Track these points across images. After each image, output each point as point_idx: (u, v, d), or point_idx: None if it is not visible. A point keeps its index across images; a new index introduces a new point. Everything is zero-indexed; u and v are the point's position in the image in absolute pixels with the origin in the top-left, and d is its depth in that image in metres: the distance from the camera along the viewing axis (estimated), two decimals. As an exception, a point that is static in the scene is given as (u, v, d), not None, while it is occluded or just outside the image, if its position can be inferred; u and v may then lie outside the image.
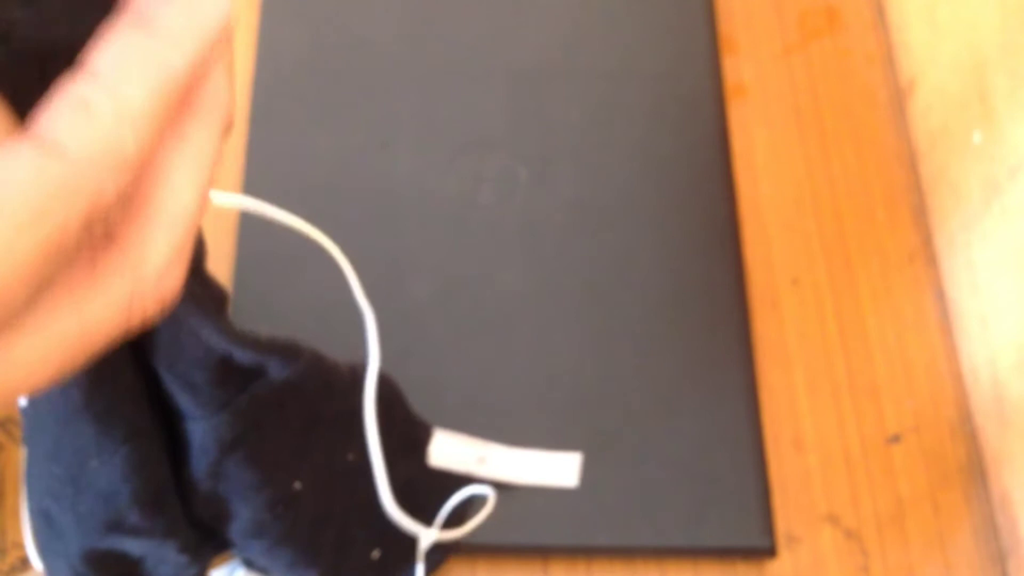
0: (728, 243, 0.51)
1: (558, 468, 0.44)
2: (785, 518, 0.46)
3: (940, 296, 0.52)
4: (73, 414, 0.29)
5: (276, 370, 0.33)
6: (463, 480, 0.43)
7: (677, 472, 0.45)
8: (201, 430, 0.32)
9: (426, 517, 0.41)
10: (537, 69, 0.55)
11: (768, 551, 0.44)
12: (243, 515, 0.35)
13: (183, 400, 0.32)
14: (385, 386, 0.41)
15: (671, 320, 0.49)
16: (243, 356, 0.32)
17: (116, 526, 0.32)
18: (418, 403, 0.45)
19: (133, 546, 0.33)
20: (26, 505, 0.34)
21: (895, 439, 0.48)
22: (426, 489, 0.42)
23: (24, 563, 0.42)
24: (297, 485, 0.36)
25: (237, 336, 0.31)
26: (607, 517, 0.44)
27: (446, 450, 0.43)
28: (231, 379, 0.32)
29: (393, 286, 0.49)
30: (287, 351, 0.33)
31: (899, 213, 0.53)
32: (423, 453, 0.43)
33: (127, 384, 0.30)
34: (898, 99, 0.57)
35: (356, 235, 0.43)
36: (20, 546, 0.41)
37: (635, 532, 0.44)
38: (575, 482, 0.44)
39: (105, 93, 0.19)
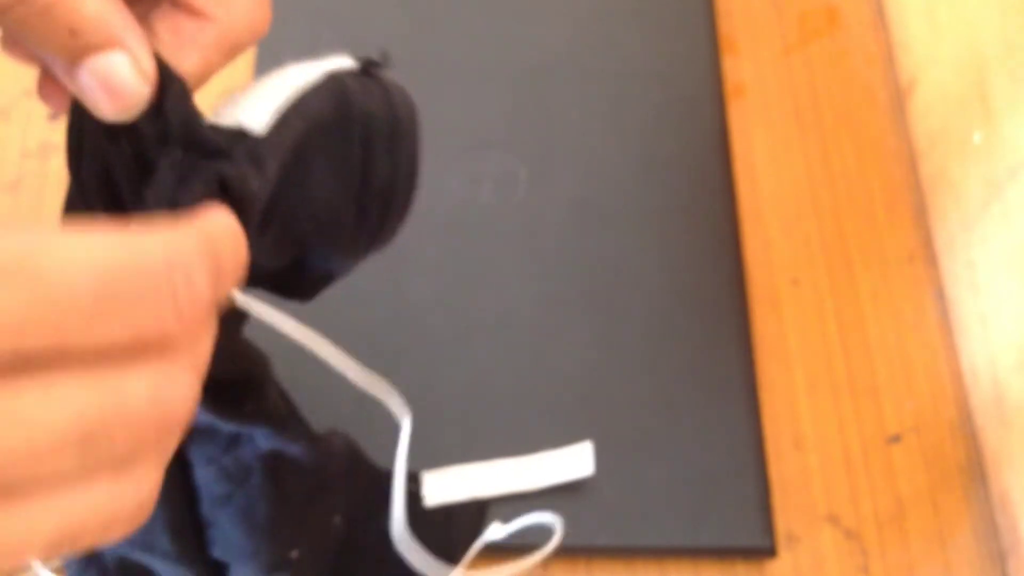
0: (728, 243, 0.51)
1: (572, 462, 0.44)
2: (785, 518, 0.46)
3: (940, 296, 0.52)
4: None
5: (262, 440, 0.34)
6: (470, 507, 0.43)
7: (677, 472, 0.45)
8: (198, 476, 0.33)
9: (439, 555, 0.42)
10: (537, 69, 0.55)
11: (768, 551, 0.44)
12: (243, 572, 0.35)
13: (186, 444, 0.33)
14: (350, 446, 0.41)
15: (671, 320, 0.49)
16: (226, 427, 0.32)
17: (149, 547, 0.33)
18: (417, 405, 0.45)
19: (161, 567, 0.34)
20: None
21: (895, 439, 0.48)
22: (424, 532, 0.42)
23: (24, 564, 0.42)
24: (294, 554, 0.36)
25: (220, 411, 0.32)
26: (607, 517, 0.44)
27: (439, 487, 0.43)
28: (217, 440, 0.33)
29: (393, 286, 0.49)
30: (273, 424, 0.34)
31: (899, 213, 0.53)
32: (411, 500, 0.43)
33: None
34: (898, 99, 0.57)
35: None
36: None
37: (635, 532, 0.44)
38: (592, 470, 0.44)
39: None
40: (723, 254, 0.50)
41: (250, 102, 0.27)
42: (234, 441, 0.33)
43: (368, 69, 0.31)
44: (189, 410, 0.22)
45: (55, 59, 0.24)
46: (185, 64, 0.26)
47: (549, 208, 0.51)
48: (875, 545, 0.46)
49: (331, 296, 0.40)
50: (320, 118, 0.28)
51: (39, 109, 0.54)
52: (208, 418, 0.32)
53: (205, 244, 0.22)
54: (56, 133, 0.54)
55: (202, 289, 0.21)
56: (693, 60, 0.56)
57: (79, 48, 0.24)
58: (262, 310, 0.27)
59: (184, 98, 0.25)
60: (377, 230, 0.33)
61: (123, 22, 0.24)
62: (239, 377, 0.32)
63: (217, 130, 0.26)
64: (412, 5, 0.57)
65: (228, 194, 0.25)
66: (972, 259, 0.49)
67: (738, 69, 0.57)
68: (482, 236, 0.50)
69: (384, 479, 0.42)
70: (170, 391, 0.21)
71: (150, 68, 0.25)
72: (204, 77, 0.27)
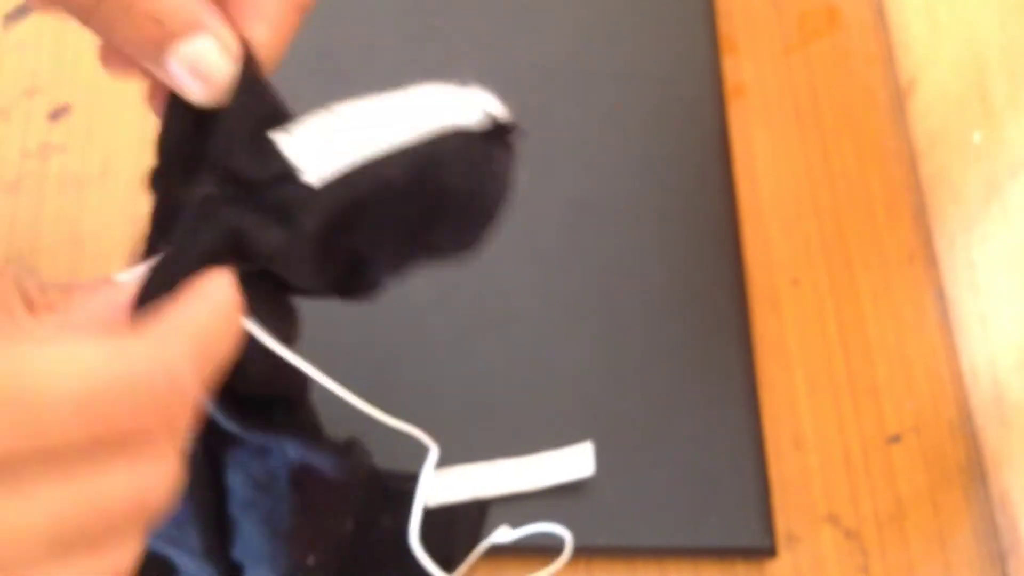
0: (728, 243, 0.51)
1: (572, 462, 0.44)
2: (785, 518, 0.46)
3: (940, 296, 0.52)
4: None
5: (292, 451, 0.34)
6: (471, 507, 0.43)
7: (677, 472, 0.45)
8: (229, 479, 0.34)
9: (441, 556, 0.42)
10: (537, 69, 0.55)
11: (768, 551, 0.44)
12: (260, 573, 0.35)
13: (217, 446, 0.33)
14: (367, 456, 0.41)
15: (671, 320, 0.49)
16: (253, 438, 0.32)
17: (178, 543, 0.33)
18: (417, 405, 0.45)
19: (186, 562, 0.35)
20: None
21: (895, 439, 0.48)
22: (425, 532, 0.42)
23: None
24: (311, 560, 0.36)
25: (247, 422, 0.32)
26: (607, 517, 0.44)
27: (440, 487, 0.43)
28: (248, 447, 0.33)
29: (393, 286, 0.49)
30: (308, 439, 0.34)
31: (899, 213, 0.53)
32: (411, 500, 0.43)
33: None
34: (898, 99, 0.57)
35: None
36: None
37: (635, 532, 0.44)
38: (592, 471, 0.44)
39: None
40: (723, 254, 0.50)
41: (328, 140, 0.26)
42: (262, 449, 0.33)
43: (494, 134, 0.30)
44: (169, 491, 0.22)
45: (145, 53, 0.25)
46: (256, 35, 0.26)
47: (549, 208, 0.51)
48: (875, 545, 0.46)
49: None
50: (390, 183, 0.27)
51: (39, 109, 0.54)
52: (236, 430, 0.32)
53: (196, 346, 0.22)
54: (56, 133, 0.54)
55: (190, 390, 0.22)
56: (693, 60, 0.56)
57: (165, 36, 0.24)
58: (282, 352, 0.27)
59: (246, 107, 0.25)
60: (422, 268, 0.33)
61: (203, 4, 0.25)
62: (275, 397, 0.32)
63: (265, 161, 0.26)
64: (413, 6, 0.57)
65: (242, 243, 0.25)
66: (972, 259, 0.49)
67: (738, 69, 0.57)
68: (482, 236, 0.50)
69: (385, 479, 0.42)
70: (149, 482, 0.21)
71: (235, 47, 0.25)
72: (279, 44, 0.27)
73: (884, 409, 0.49)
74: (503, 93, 0.55)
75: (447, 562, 0.43)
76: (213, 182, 0.25)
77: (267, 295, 0.28)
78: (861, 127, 0.56)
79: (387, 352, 0.47)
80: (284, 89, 0.54)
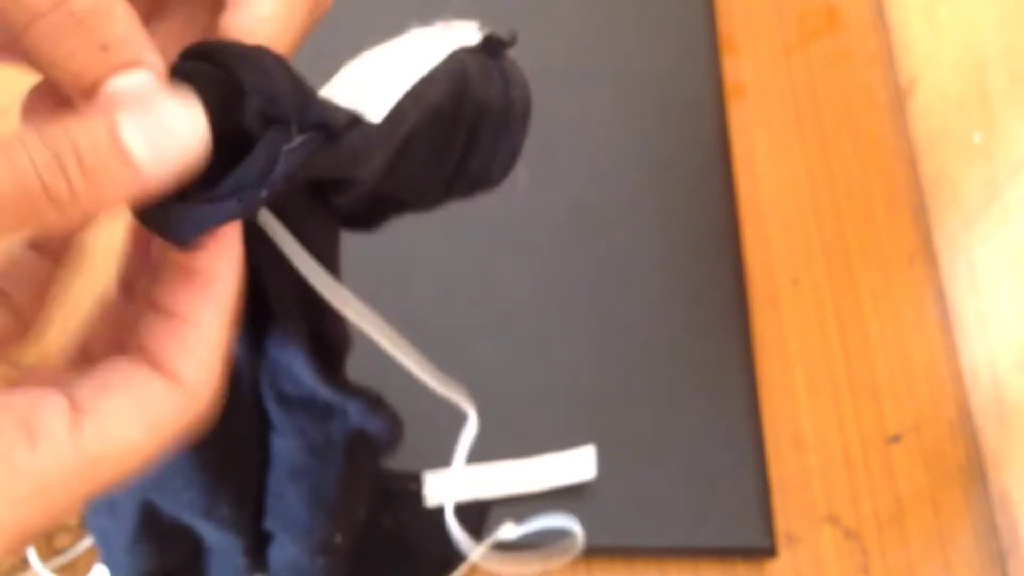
0: (728, 243, 0.51)
1: (574, 465, 0.44)
2: (785, 518, 0.46)
3: (940, 296, 0.52)
4: None
5: (355, 415, 0.33)
6: (473, 508, 0.43)
7: (677, 472, 0.45)
8: (277, 446, 0.33)
9: (441, 555, 0.42)
10: (537, 69, 0.55)
11: (768, 551, 0.44)
12: (288, 549, 0.35)
13: (272, 409, 0.32)
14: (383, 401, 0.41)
15: (671, 320, 0.49)
16: (327, 395, 0.32)
17: (207, 513, 0.33)
18: (417, 405, 0.45)
19: (212, 533, 0.34)
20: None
21: (895, 439, 0.48)
22: (426, 532, 0.42)
23: (24, 563, 0.42)
24: (339, 539, 0.36)
25: (325, 379, 0.32)
26: (607, 517, 0.44)
27: (441, 487, 0.43)
28: (313, 411, 0.33)
29: (393, 287, 0.49)
30: (371, 402, 0.34)
31: (899, 213, 0.53)
32: (412, 500, 0.43)
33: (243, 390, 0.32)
34: (898, 99, 0.57)
35: (356, 235, 0.42)
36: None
37: (635, 532, 0.44)
38: (593, 473, 0.44)
39: None
40: (723, 254, 0.50)
41: (368, 84, 0.26)
42: (327, 414, 0.33)
43: (492, 49, 0.30)
44: None
45: (76, 79, 0.22)
46: (260, 29, 0.24)
47: (549, 208, 0.51)
48: (875, 545, 0.46)
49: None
50: (435, 108, 0.27)
51: (39, 109, 0.54)
52: (311, 388, 0.31)
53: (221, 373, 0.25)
54: (56, 133, 0.54)
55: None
56: (693, 60, 0.56)
57: (107, 66, 0.22)
58: (362, 318, 0.29)
59: (284, 71, 0.24)
60: (457, 198, 0.33)
61: (147, 39, 0.23)
62: (343, 342, 0.33)
63: (334, 108, 0.25)
64: (412, 6, 0.57)
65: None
66: (972, 259, 0.49)
67: (738, 69, 0.57)
68: (482, 236, 0.50)
69: (385, 479, 0.42)
70: None
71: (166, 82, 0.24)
72: (287, 34, 0.25)
73: (884, 409, 0.49)
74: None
75: (447, 561, 0.43)
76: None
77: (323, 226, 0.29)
78: (861, 127, 0.56)
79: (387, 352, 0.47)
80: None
